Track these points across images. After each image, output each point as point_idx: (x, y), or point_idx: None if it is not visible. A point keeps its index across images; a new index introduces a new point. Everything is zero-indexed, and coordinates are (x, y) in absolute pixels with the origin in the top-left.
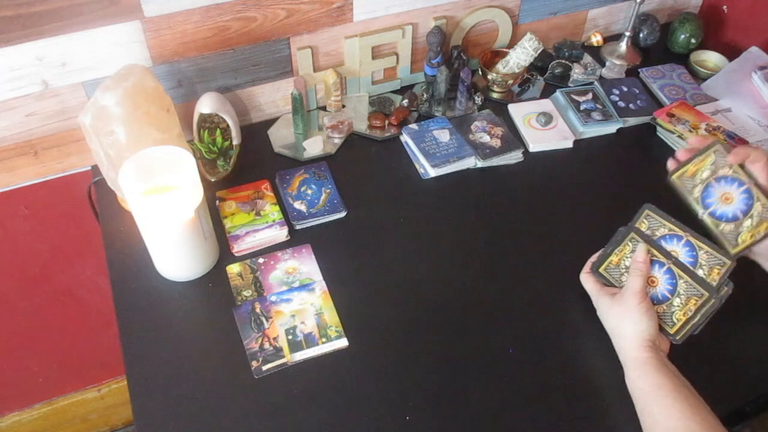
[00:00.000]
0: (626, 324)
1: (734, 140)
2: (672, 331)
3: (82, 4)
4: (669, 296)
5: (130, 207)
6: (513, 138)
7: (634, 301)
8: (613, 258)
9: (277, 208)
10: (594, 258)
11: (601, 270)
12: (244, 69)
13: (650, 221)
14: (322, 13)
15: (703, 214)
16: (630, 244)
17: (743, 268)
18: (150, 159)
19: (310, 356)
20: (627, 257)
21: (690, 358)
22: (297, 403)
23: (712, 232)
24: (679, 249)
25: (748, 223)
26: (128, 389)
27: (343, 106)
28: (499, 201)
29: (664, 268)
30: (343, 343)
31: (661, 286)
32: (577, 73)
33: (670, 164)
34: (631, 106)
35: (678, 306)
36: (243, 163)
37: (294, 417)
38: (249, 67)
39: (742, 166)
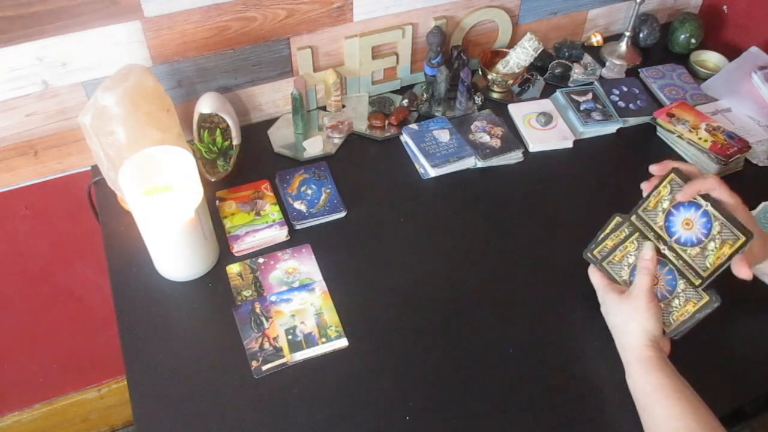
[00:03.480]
0: (633, 322)
1: (734, 140)
2: (669, 330)
3: (82, 4)
4: (668, 296)
5: (130, 207)
6: (513, 138)
7: (644, 301)
8: (617, 254)
9: (277, 208)
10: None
11: (604, 264)
12: (244, 69)
13: (673, 185)
14: (322, 13)
15: (670, 242)
16: (636, 242)
17: None
18: (150, 159)
19: (310, 356)
20: (631, 254)
21: (690, 358)
22: (297, 403)
23: (681, 259)
24: (695, 218)
25: (711, 245)
26: (128, 389)
27: (343, 106)
28: (499, 201)
29: (666, 268)
30: (343, 343)
31: (661, 286)
32: (577, 73)
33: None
34: (631, 106)
35: (677, 307)
36: (243, 163)
37: (294, 417)
38: (249, 67)
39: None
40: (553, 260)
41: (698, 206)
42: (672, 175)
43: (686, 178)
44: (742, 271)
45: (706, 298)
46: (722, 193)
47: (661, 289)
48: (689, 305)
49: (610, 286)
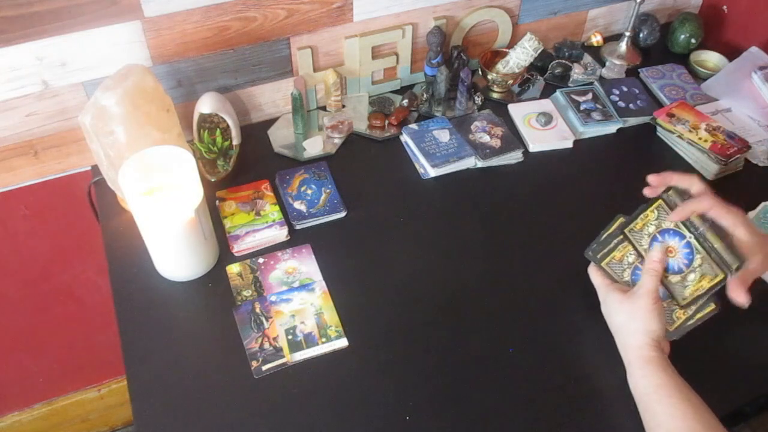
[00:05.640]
0: (637, 322)
1: (734, 140)
2: (671, 329)
3: (82, 4)
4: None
5: (130, 207)
6: (513, 138)
7: (648, 301)
8: (616, 254)
9: (277, 208)
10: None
11: (603, 265)
12: (244, 69)
13: (660, 212)
14: (322, 13)
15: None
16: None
17: None
18: (150, 159)
19: (310, 356)
20: (630, 253)
21: (690, 358)
22: (297, 403)
23: (663, 283)
24: (679, 247)
25: (692, 276)
26: (128, 389)
27: (343, 106)
28: (499, 201)
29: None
30: (343, 343)
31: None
32: (577, 73)
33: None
34: (631, 106)
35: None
36: (243, 163)
37: (294, 417)
38: (249, 67)
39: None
40: (554, 260)
41: (682, 236)
42: (660, 201)
43: (682, 193)
44: (737, 295)
45: (722, 275)
46: (719, 212)
47: (678, 262)
48: (704, 281)
49: (612, 285)
